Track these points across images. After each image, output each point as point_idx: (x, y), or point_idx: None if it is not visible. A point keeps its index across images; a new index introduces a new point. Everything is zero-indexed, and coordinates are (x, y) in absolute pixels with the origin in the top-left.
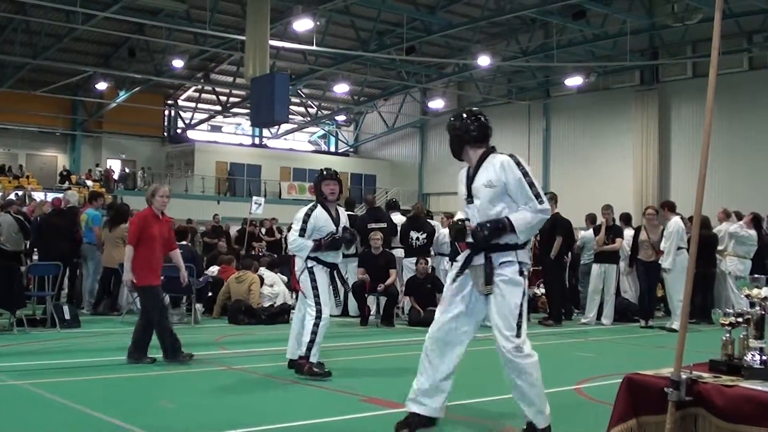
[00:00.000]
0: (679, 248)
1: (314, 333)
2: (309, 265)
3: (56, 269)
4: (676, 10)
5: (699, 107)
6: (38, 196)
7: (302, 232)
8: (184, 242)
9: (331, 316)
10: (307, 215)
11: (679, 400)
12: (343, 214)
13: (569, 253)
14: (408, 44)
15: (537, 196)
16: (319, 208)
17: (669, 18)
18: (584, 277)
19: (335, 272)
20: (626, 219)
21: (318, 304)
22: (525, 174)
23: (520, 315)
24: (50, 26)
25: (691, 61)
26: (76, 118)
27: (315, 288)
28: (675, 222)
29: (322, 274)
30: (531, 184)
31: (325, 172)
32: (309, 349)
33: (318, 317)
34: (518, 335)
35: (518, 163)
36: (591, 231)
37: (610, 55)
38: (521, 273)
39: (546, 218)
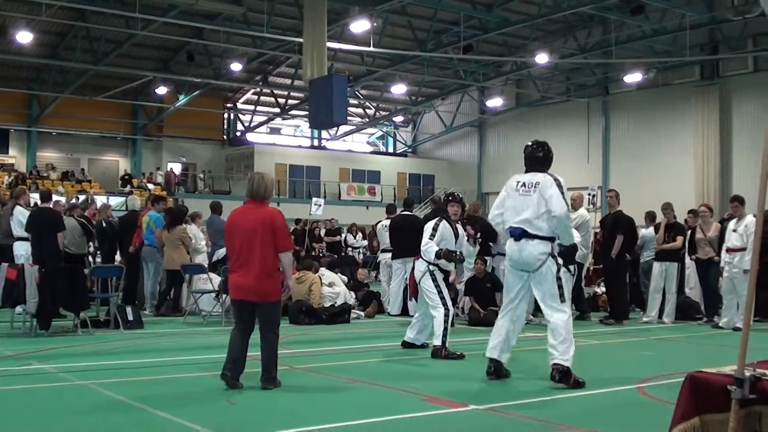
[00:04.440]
0: None
1: (446, 323)
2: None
3: (119, 271)
4: (735, 4)
5: (761, 102)
6: (101, 199)
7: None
8: None
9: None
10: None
11: (743, 398)
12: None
13: (630, 252)
14: (465, 43)
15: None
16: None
17: (729, 12)
18: (645, 275)
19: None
20: (695, 215)
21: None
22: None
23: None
24: (110, 32)
25: (752, 56)
26: (137, 123)
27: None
28: (751, 219)
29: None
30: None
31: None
32: (444, 336)
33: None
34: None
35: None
36: (651, 229)
37: (669, 50)
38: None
39: (488, 223)
